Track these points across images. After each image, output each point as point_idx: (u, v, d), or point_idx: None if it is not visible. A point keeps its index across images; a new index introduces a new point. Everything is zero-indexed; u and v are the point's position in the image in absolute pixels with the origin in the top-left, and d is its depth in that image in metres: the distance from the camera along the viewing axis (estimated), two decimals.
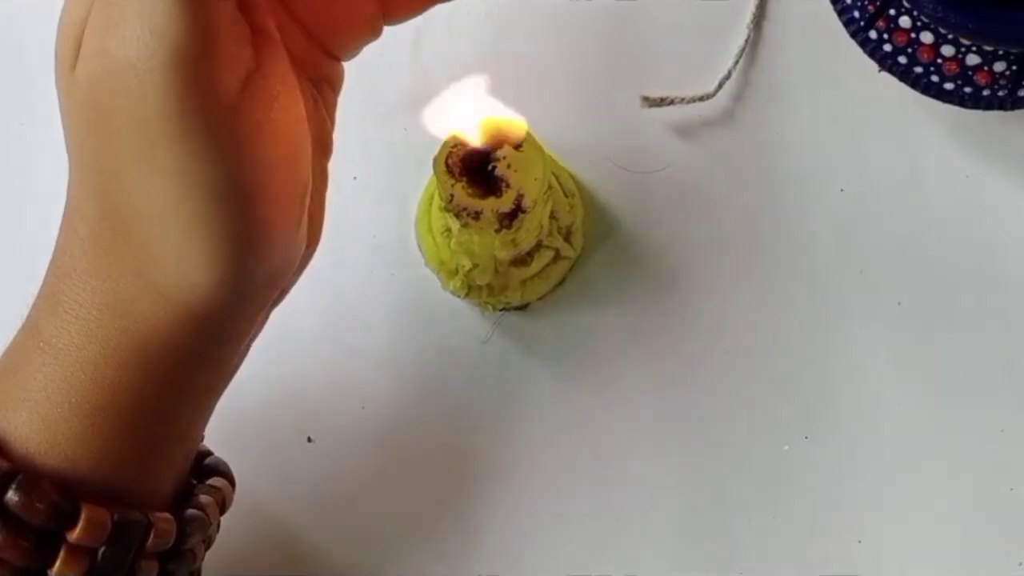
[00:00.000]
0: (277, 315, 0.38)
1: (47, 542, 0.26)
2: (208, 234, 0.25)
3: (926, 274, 0.38)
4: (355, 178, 0.40)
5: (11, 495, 0.25)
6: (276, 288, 0.29)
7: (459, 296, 0.36)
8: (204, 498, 0.30)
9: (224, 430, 0.34)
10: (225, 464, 0.32)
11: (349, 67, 0.37)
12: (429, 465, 0.38)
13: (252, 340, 0.30)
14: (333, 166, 0.40)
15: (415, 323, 0.38)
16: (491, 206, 0.32)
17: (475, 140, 0.33)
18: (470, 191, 0.32)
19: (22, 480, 0.26)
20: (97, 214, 0.26)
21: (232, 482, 0.32)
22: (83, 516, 0.26)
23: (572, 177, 0.38)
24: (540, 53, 0.39)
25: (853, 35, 0.36)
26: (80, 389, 0.27)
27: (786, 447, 0.38)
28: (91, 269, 0.27)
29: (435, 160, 0.33)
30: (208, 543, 0.31)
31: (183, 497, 0.30)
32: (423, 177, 0.38)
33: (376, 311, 0.38)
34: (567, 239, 0.37)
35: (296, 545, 0.37)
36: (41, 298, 0.28)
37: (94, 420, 0.27)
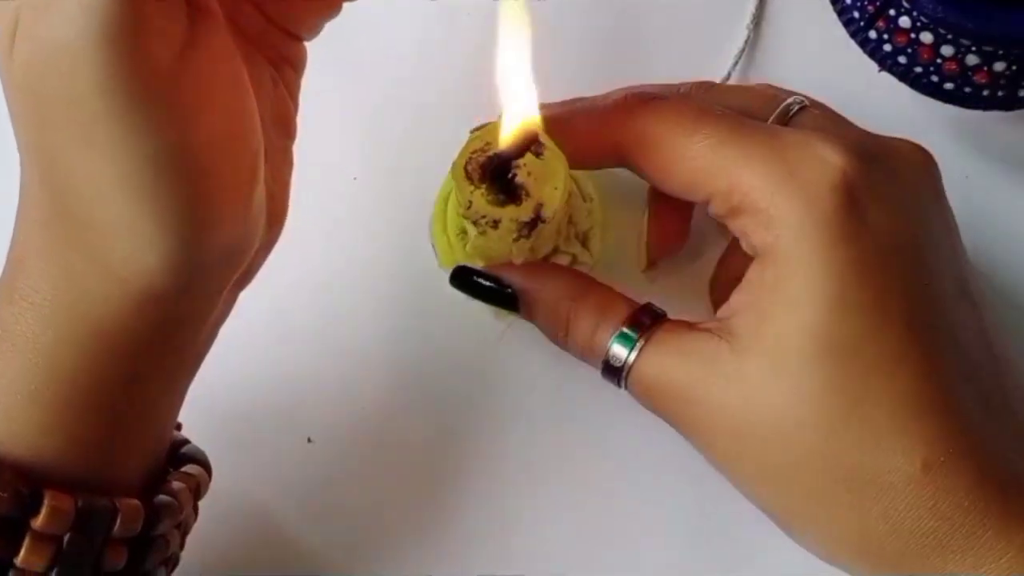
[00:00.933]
0: (277, 315, 0.38)
1: (11, 531, 0.26)
2: (153, 211, 0.25)
3: None
4: (355, 178, 0.40)
5: None
6: (233, 268, 0.28)
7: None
8: (176, 484, 0.30)
9: (224, 430, 0.34)
10: (202, 453, 0.32)
11: (349, 66, 0.37)
12: (429, 465, 0.38)
13: (218, 323, 0.30)
14: (333, 166, 0.40)
15: (417, 323, 0.38)
16: (510, 215, 0.32)
17: (509, 133, 0.32)
18: (489, 198, 0.32)
19: None
20: (46, 198, 0.26)
21: (208, 470, 0.32)
22: (46, 503, 0.26)
23: (591, 181, 0.37)
24: (538, 53, 0.39)
25: (853, 35, 0.36)
26: (38, 376, 0.27)
27: None
28: (44, 254, 0.27)
29: (454, 165, 0.32)
30: (184, 530, 0.31)
31: (156, 484, 0.30)
32: (427, 178, 0.38)
33: (377, 310, 0.38)
34: (584, 244, 0.36)
35: (296, 545, 0.37)
36: None
37: (54, 407, 0.27)
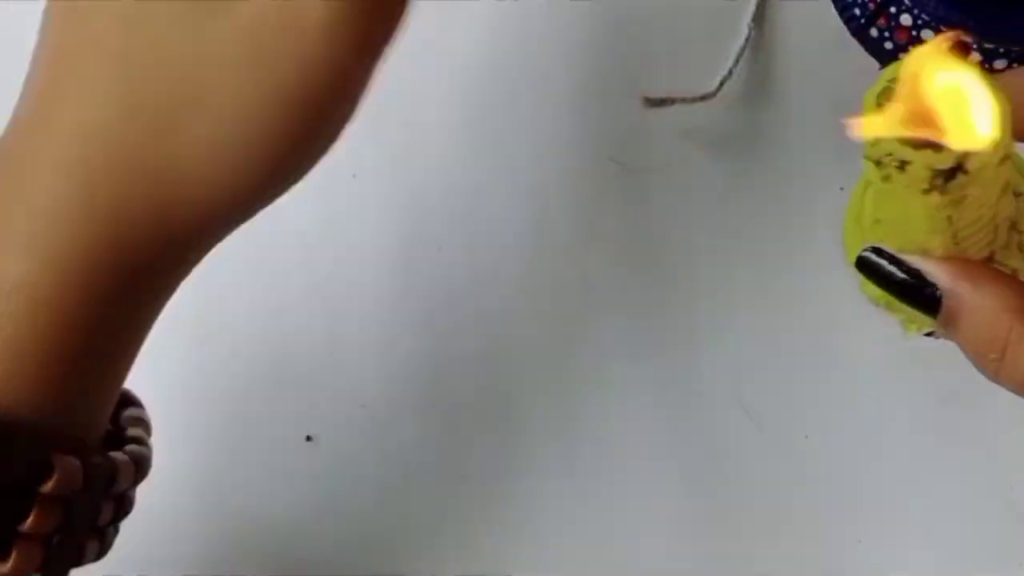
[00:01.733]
0: (276, 314, 0.38)
1: (21, 498, 0.24)
2: (270, 139, 0.25)
3: None
4: (354, 175, 0.40)
5: None
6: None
7: (878, 305, 0.30)
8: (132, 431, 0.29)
9: (224, 429, 0.34)
10: (138, 401, 0.31)
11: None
12: (429, 464, 0.38)
13: None
14: (332, 163, 0.40)
15: (417, 321, 0.38)
16: (924, 160, 0.25)
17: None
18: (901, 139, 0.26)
19: None
20: (121, 112, 0.25)
21: (148, 427, 0.30)
22: (57, 467, 0.25)
23: None
24: (539, 53, 0.39)
25: (854, 33, 0.36)
26: (43, 329, 0.25)
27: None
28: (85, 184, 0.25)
29: (866, 95, 0.27)
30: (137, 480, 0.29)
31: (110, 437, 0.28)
32: (428, 176, 0.38)
33: (376, 309, 0.38)
34: None
35: (296, 544, 0.37)
36: None
37: (57, 362, 0.25)
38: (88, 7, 0.26)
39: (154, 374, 0.36)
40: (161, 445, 0.34)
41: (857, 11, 0.36)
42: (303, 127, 0.26)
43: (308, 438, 0.38)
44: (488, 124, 0.39)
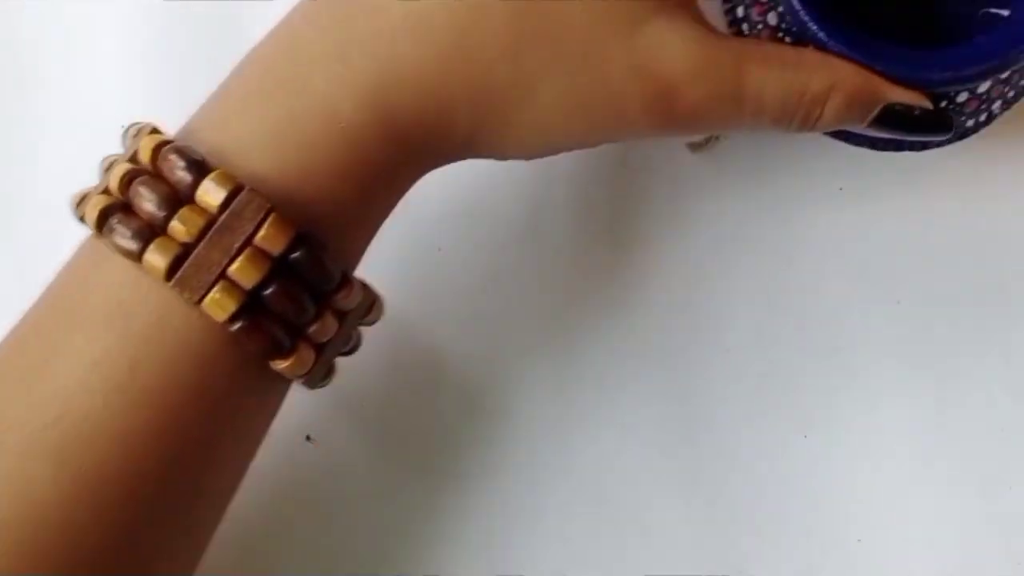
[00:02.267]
0: None
1: (315, 300, 0.27)
2: (566, 141, 0.31)
3: (926, 273, 0.38)
4: None
5: (299, 255, 0.27)
6: None
7: None
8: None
9: None
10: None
11: None
12: (429, 464, 0.38)
13: None
14: None
15: (417, 321, 0.38)
16: None
17: None
18: None
19: (312, 242, 0.27)
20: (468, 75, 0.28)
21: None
22: (351, 284, 0.28)
23: None
24: None
25: None
26: (361, 166, 0.28)
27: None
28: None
29: None
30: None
31: None
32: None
33: None
34: None
35: (295, 544, 0.37)
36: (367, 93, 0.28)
37: (358, 194, 0.28)
38: None
39: None
40: None
41: (745, 27, 0.35)
42: (593, 141, 0.31)
43: (308, 438, 0.38)
44: None
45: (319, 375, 0.29)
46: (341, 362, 0.38)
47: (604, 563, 0.37)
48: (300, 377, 0.28)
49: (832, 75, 0.31)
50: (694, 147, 0.38)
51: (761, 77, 0.30)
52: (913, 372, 0.38)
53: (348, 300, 0.28)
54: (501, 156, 0.31)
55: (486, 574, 0.37)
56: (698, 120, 0.31)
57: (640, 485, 0.37)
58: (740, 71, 0.30)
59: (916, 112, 0.32)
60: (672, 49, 0.29)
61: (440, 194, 0.39)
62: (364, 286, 0.30)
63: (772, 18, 0.33)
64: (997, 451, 0.38)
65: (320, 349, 0.28)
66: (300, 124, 0.27)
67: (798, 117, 0.31)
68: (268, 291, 0.27)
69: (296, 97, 0.28)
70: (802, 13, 0.31)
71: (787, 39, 0.33)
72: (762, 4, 0.34)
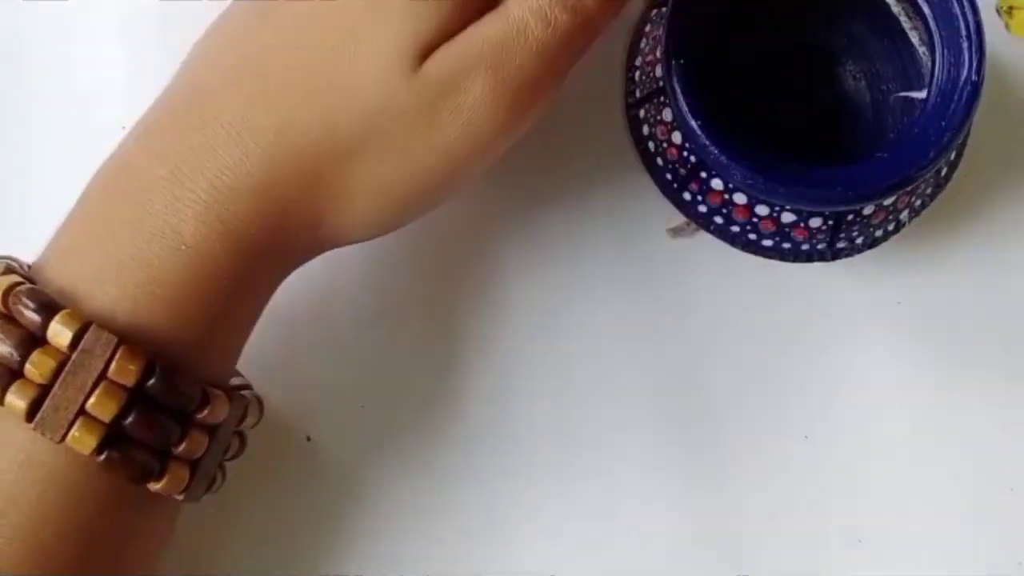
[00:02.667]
0: (274, 314, 0.38)
1: (178, 421, 0.29)
2: (420, 189, 0.31)
3: (926, 273, 0.38)
4: None
5: (153, 382, 0.28)
6: None
7: None
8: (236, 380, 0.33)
9: None
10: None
11: None
12: (430, 464, 0.38)
13: None
14: None
15: (417, 321, 0.38)
16: None
17: None
18: None
19: (162, 366, 0.28)
20: (311, 136, 0.29)
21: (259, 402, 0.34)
22: (212, 399, 0.29)
23: None
24: None
25: (668, 197, 0.36)
26: (187, 272, 0.29)
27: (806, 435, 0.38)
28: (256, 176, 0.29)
29: None
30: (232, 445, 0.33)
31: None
32: None
33: (377, 308, 0.38)
34: None
35: (295, 544, 0.37)
36: (194, 205, 0.29)
37: (206, 313, 0.29)
38: (283, 19, 0.30)
39: None
40: None
41: (669, 176, 0.35)
42: (446, 182, 0.31)
43: (308, 438, 0.38)
44: None
45: (199, 488, 0.30)
46: (339, 358, 0.38)
47: (604, 563, 0.37)
48: (180, 494, 0.29)
49: None
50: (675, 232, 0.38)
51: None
52: (913, 372, 0.38)
53: (213, 415, 0.29)
54: (354, 236, 0.32)
55: (486, 573, 0.37)
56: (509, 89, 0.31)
57: (640, 485, 0.37)
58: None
59: None
60: (452, 69, 0.30)
61: None
62: (235, 396, 0.31)
63: (676, 137, 0.34)
64: (997, 451, 0.38)
65: (194, 465, 0.29)
66: (144, 253, 0.28)
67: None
68: (128, 420, 0.28)
69: (137, 226, 0.29)
70: (702, 137, 0.32)
71: (691, 157, 0.34)
72: (666, 124, 0.34)
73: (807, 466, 0.38)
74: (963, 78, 0.32)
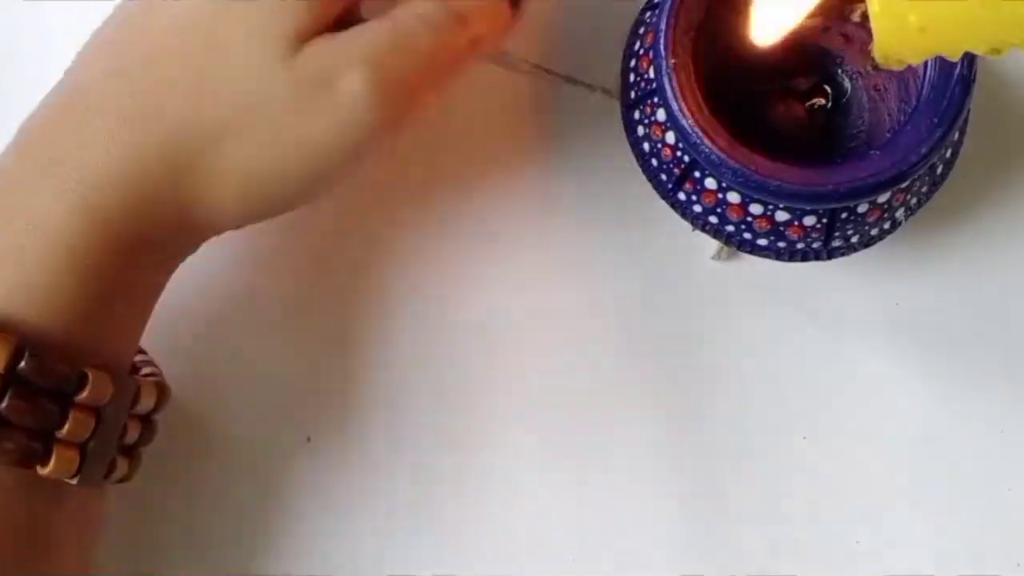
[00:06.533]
0: (273, 314, 0.38)
1: (58, 405, 0.29)
2: (288, 179, 0.31)
3: (925, 273, 0.39)
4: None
5: (24, 363, 0.28)
6: None
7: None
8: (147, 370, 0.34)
9: (222, 429, 0.34)
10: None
11: None
12: (429, 464, 0.38)
13: None
14: None
15: (417, 322, 0.38)
16: None
17: None
18: None
19: (32, 349, 0.28)
20: (174, 124, 0.30)
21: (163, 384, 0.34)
22: (89, 380, 0.29)
23: None
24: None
25: (664, 198, 0.36)
26: (72, 265, 0.29)
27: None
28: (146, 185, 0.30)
29: None
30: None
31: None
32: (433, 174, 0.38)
33: (377, 308, 0.38)
34: None
35: (295, 544, 0.37)
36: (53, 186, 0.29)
37: (87, 295, 0.30)
38: (160, 16, 0.31)
39: None
40: (160, 445, 0.34)
41: (664, 176, 0.35)
42: (316, 174, 0.31)
43: (308, 439, 0.38)
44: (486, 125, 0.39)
45: (94, 472, 0.30)
46: (339, 358, 0.38)
47: (604, 563, 0.37)
48: (71, 477, 0.29)
49: None
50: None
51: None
52: (912, 372, 0.38)
53: (96, 396, 0.29)
54: (222, 222, 0.32)
55: (485, 573, 0.37)
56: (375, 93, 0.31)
57: (639, 485, 0.37)
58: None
59: None
60: (328, 55, 0.31)
61: (437, 194, 0.38)
62: (121, 377, 0.31)
63: (670, 137, 0.34)
64: (997, 451, 0.38)
65: (82, 448, 0.30)
66: (14, 244, 0.29)
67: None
68: (3, 404, 0.28)
69: (12, 219, 0.29)
70: (693, 135, 0.32)
71: (685, 157, 0.34)
72: (660, 125, 0.34)
73: (807, 466, 0.38)
74: (955, 73, 0.32)
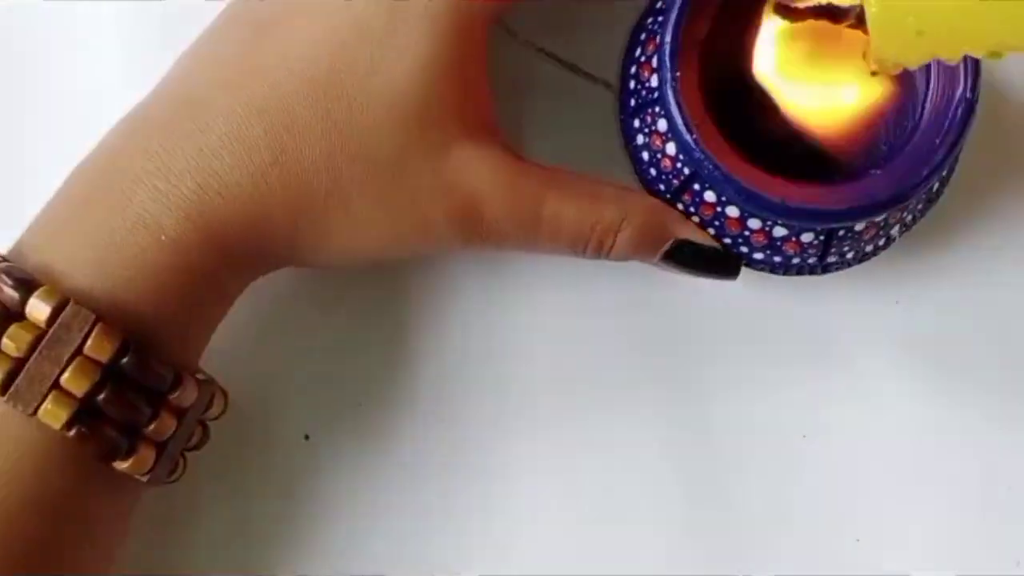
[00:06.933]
0: (273, 314, 0.38)
1: (149, 402, 0.29)
2: (375, 256, 0.33)
3: (925, 273, 0.38)
4: None
5: (127, 359, 0.28)
6: None
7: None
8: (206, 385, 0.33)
9: (222, 429, 0.34)
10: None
11: None
12: (427, 463, 0.38)
13: None
14: None
15: (417, 320, 0.38)
16: None
17: None
18: None
19: (136, 346, 0.29)
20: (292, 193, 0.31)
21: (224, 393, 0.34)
22: (184, 381, 0.30)
23: None
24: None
25: None
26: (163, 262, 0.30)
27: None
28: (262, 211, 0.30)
29: None
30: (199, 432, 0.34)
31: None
32: None
33: (376, 308, 0.38)
34: None
35: (294, 544, 0.37)
36: (180, 201, 0.30)
37: (181, 292, 0.30)
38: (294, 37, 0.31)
39: None
40: None
41: (662, 186, 0.35)
42: (424, 255, 0.35)
43: (306, 437, 0.38)
44: None
45: (163, 472, 0.31)
46: (338, 356, 0.38)
47: (604, 563, 0.37)
48: (144, 475, 0.30)
49: (624, 209, 0.33)
50: None
51: (558, 203, 0.33)
52: (912, 372, 0.38)
53: (183, 398, 0.30)
54: (321, 264, 0.33)
55: (485, 573, 0.37)
56: (500, 239, 0.33)
57: (640, 485, 0.37)
58: (539, 196, 0.33)
59: (707, 252, 0.34)
60: (476, 172, 0.32)
61: None
62: (203, 383, 0.31)
63: (671, 148, 0.34)
64: (997, 451, 0.38)
65: (161, 447, 0.30)
66: (123, 239, 0.29)
67: (592, 245, 0.34)
68: (101, 397, 0.28)
69: (119, 213, 0.29)
70: (696, 150, 0.32)
71: (685, 169, 0.34)
72: (660, 135, 0.34)
73: (807, 466, 0.38)
74: (957, 95, 0.32)
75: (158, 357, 0.29)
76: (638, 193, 0.35)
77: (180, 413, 0.30)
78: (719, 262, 0.35)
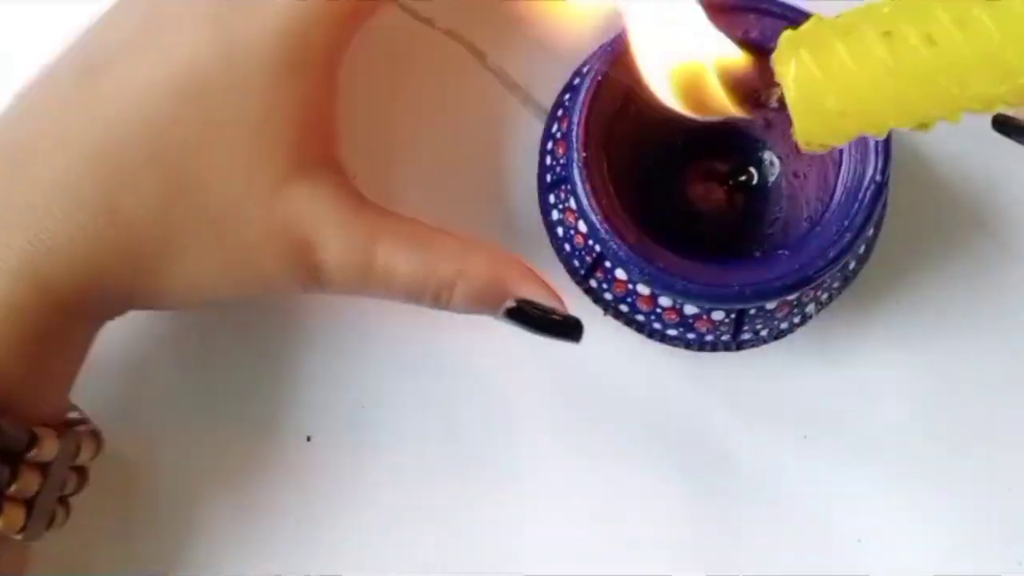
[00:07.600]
0: (274, 314, 0.38)
1: (6, 462, 0.29)
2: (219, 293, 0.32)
3: (925, 273, 0.38)
4: (355, 176, 0.39)
5: None
6: None
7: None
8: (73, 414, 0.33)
9: (221, 429, 0.34)
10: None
11: None
12: (427, 465, 0.38)
13: None
14: None
15: (417, 320, 0.38)
16: None
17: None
18: None
19: None
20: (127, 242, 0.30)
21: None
22: (40, 438, 0.29)
23: None
24: None
25: (577, 284, 0.35)
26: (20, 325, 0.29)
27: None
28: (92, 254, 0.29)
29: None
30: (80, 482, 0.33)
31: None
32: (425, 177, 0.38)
33: (376, 308, 0.38)
34: None
35: (295, 544, 0.37)
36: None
37: (28, 356, 0.29)
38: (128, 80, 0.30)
39: (154, 373, 0.36)
40: (159, 444, 0.34)
41: (576, 263, 0.35)
42: (262, 295, 0.33)
43: (308, 438, 0.38)
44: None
45: (38, 527, 0.30)
46: (339, 358, 0.38)
47: (604, 563, 0.37)
48: (18, 533, 0.29)
49: (461, 262, 0.32)
50: None
51: (391, 251, 0.31)
52: (912, 372, 0.38)
53: (43, 454, 0.29)
54: (164, 308, 0.32)
55: (484, 572, 0.37)
56: (333, 283, 0.32)
57: (640, 485, 0.37)
58: (372, 241, 0.31)
59: (547, 316, 0.32)
60: (308, 212, 0.31)
61: (436, 193, 0.38)
62: (64, 433, 0.31)
63: (582, 226, 0.33)
64: (997, 451, 0.38)
65: (30, 504, 0.29)
66: None
67: (427, 296, 0.32)
68: None
69: None
70: (601, 231, 0.31)
71: (596, 247, 0.33)
72: (572, 211, 0.34)
73: (807, 466, 0.38)
74: (868, 177, 0.31)
75: (8, 419, 0.28)
76: (483, 247, 0.33)
77: (43, 467, 0.30)
78: (558, 326, 0.33)
